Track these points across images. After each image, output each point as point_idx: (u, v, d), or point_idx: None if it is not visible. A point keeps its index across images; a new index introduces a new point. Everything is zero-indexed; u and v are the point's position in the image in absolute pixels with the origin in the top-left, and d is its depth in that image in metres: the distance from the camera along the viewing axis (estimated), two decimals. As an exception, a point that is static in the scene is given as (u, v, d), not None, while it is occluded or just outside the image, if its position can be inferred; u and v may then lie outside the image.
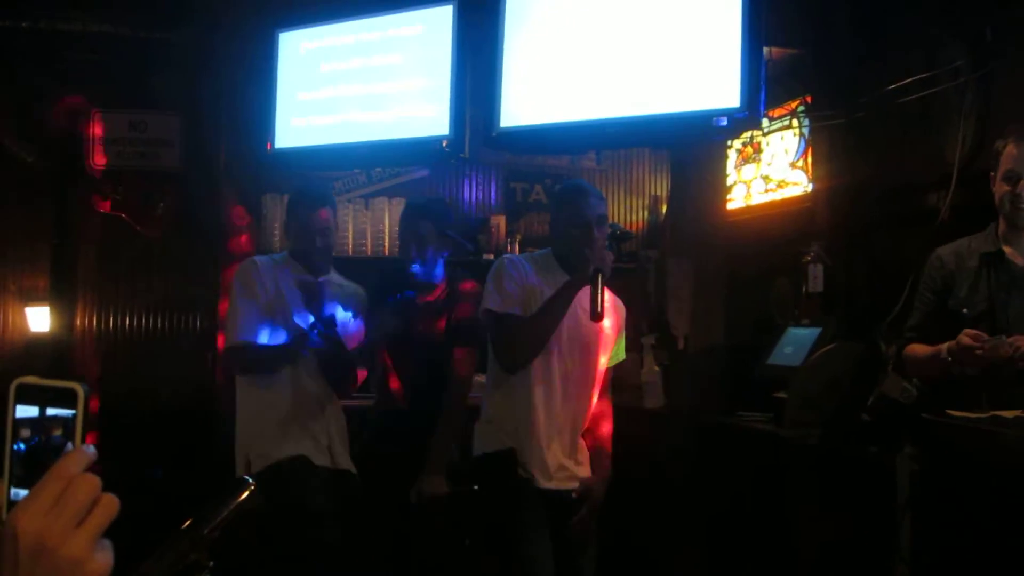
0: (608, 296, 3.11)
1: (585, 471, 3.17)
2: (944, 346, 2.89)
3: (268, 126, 4.13)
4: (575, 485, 3.11)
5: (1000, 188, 2.97)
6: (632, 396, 4.83)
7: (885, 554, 2.71)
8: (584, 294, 2.99)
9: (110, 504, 0.83)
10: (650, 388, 4.58)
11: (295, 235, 3.46)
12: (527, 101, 3.59)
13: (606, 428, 3.28)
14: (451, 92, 3.67)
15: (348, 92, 3.98)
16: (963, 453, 2.54)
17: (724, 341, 4.39)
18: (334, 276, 3.53)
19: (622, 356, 3.38)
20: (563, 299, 2.98)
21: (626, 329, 3.38)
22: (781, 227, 4.90)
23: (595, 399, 3.21)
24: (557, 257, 3.18)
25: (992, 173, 3.02)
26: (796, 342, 4.07)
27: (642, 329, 5.08)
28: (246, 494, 1.62)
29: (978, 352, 2.73)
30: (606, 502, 3.19)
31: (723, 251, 4.50)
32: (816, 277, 4.46)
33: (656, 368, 4.57)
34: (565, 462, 3.09)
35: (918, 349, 3.07)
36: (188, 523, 1.52)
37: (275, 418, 3.31)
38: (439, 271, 3.61)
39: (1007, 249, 3.01)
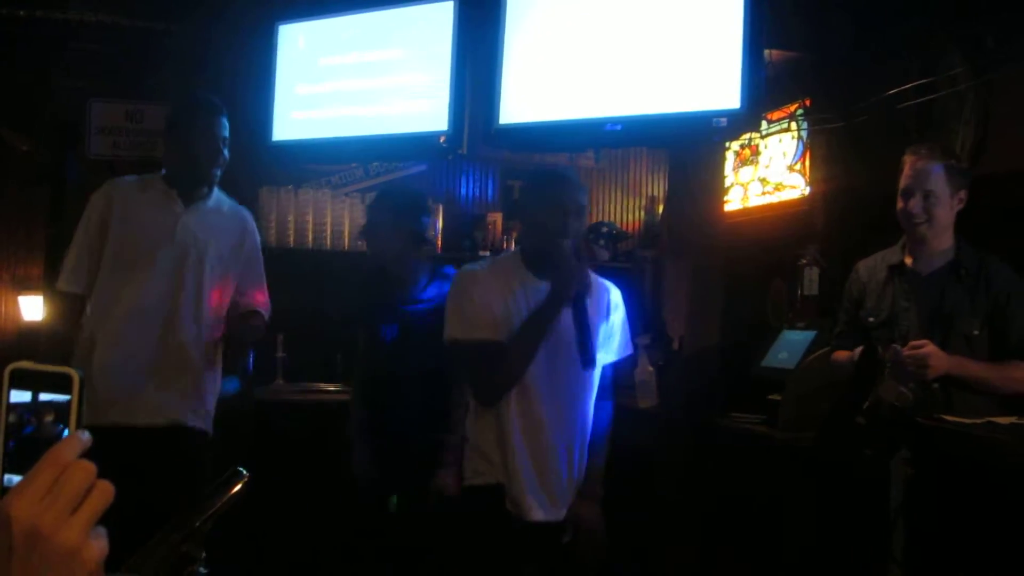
0: (594, 284, 2.85)
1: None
2: (856, 352, 3.12)
3: (267, 119, 4.12)
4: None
5: (898, 203, 3.16)
6: (626, 396, 4.83)
7: (878, 558, 2.71)
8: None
9: (105, 491, 0.82)
10: (644, 388, 4.57)
11: (178, 148, 3.21)
12: (526, 98, 3.59)
13: (597, 436, 2.91)
14: (450, 88, 3.66)
15: (347, 86, 3.97)
16: (958, 458, 2.54)
17: (719, 342, 4.37)
18: (214, 200, 3.29)
19: (628, 349, 3.04)
20: (537, 329, 2.69)
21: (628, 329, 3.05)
22: (778, 230, 4.90)
23: (591, 407, 2.88)
24: (524, 257, 2.86)
25: (899, 186, 3.17)
26: (791, 345, 4.07)
27: (637, 329, 5.08)
28: (239, 485, 1.61)
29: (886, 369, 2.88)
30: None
31: (719, 253, 4.49)
32: (812, 280, 4.47)
33: (650, 368, 4.55)
34: (568, 485, 2.80)
35: (839, 355, 3.32)
36: (180, 514, 1.52)
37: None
38: (423, 281, 3.43)
39: (908, 260, 3.20)
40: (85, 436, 0.83)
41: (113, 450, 2.88)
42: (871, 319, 3.22)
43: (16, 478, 0.82)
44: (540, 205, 2.79)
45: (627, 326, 3.02)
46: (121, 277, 3.12)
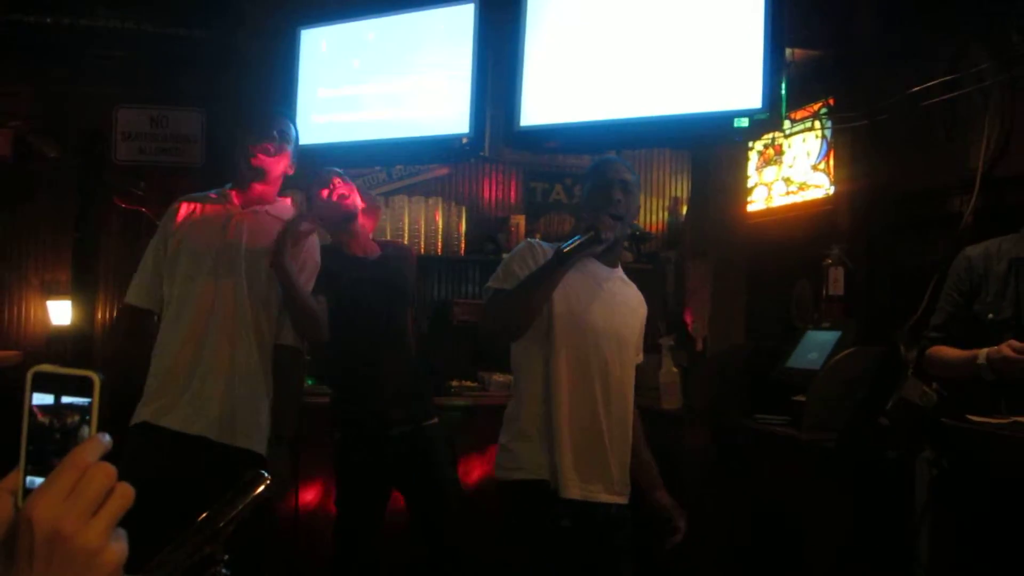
0: (632, 289, 2.97)
1: (627, 485, 2.86)
2: (983, 352, 2.84)
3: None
4: (617, 499, 2.81)
5: None
6: (650, 397, 4.82)
7: (903, 559, 2.69)
8: (620, 289, 2.88)
9: (125, 493, 0.83)
10: (668, 389, 4.56)
11: (240, 146, 3.16)
12: (548, 100, 3.59)
13: (643, 435, 3.00)
14: (471, 90, 3.67)
15: (369, 90, 3.99)
16: (982, 458, 2.52)
17: (743, 343, 4.36)
18: (277, 207, 3.24)
19: (641, 358, 3.04)
20: (552, 264, 2.67)
21: (644, 330, 3.05)
22: (802, 230, 4.87)
23: (631, 397, 2.89)
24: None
25: None
26: (816, 345, 4.05)
27: (661, 330, 5.07)
28: (260, 488, 1.62)
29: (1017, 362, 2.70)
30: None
31: (743, 253, 4.47)
32: (836, 280, 4.44)
33: (674, 369, 4.55)
34: (609, 471, 2.79)
35: (945, 351, 3.02)
36: (203, 516, 1.53)
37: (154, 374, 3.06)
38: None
39: None
40: (106, 439, 0.84)
41: (161, 452, 2.92)
42: (990, 315, 2.96)
43: (38, 480, 0.83)
44: (588, 185, 2.90)
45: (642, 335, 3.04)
46: (178, 280, 3.09)
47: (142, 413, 3.00)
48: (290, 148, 3.22)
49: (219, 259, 3.06)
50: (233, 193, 3.19)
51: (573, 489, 2.71)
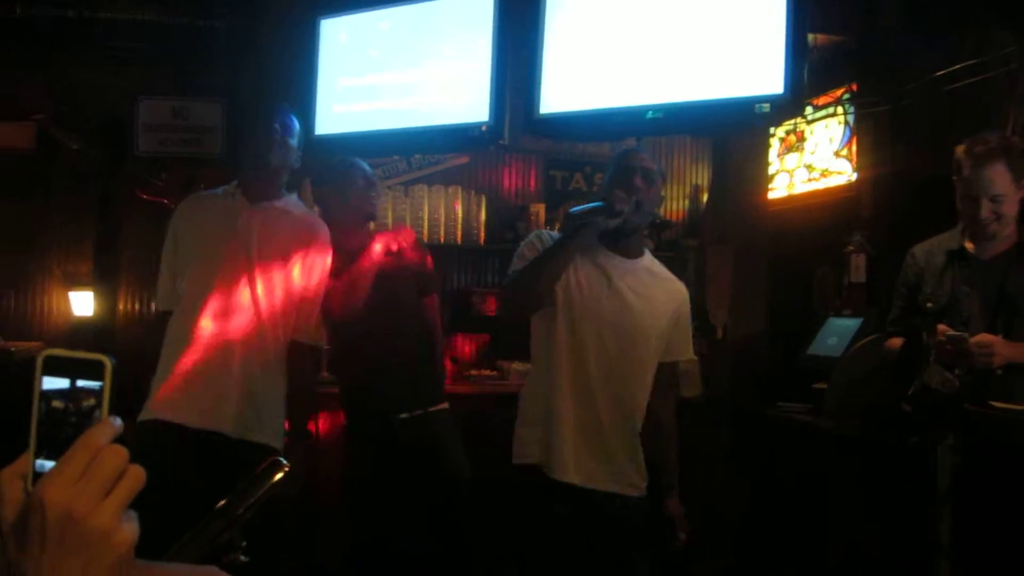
0: (667, 279, 2.95)
1: (639, 477, 2.86)
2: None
3: (309, 113, 4.14)
4: (626, 490, 2.82)
5: (959, 202, 3.08)
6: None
7: (924, 546, 2.67)
8: (642, 282, 2.85)
9: (136, 475, 0.83)
10: (688, 377, 4.55)
11: (245, 147, 3.22)
12: (567, 87, 3.57)
13: (667, 438, 3.03)
14: (491, 78, 3.65)
15: (388, 79, 3.98)
16: (1005, 445, 2.50)
17: (764, 330, 4.34)
18: (285, 202, 3.25)
19: (688, 354, 3.03)
20: (566, 237, 2.74)
21: (688, 324, 3.01)
22: (824, 216, 4.84)
23: (643, 392, 2.87)
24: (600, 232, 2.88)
25: (954, 178, 3.08)
26: (837, 332, 4.03)
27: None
28: (279, 475, 1.63)
29: (948, 347, 2.80)
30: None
31: (764, 240, 4.45)
32: (858, 267, 4.41)
33: (694, 357, 4.53)
34: (611, 461, 2.80)
35: (894, 343, 3.20)
36: (222, 503, 1.54)
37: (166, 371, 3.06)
38: None
39: (969, 245, 3.13)
40: (117, 422, 0.84)
41: (175, 449, 2.93)
42: (929, 304, 3.11)
43: (48, 464, 0.84)
44: (609, 173, 2.96)
45: (689, 331, 3.01)
46: (190, 279, 3.11)
47: (153, 410, 3.01)
48: (293, 141, 3.22)
49: (230, 257, 3.08)
50: (240, 190, 3.20)
51: (570, 472, 2.73)
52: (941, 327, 2.88)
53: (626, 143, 5.59)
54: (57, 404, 0.85)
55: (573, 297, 2.80)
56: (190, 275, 3.10)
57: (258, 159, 3.17)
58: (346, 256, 3.50)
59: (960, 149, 3.08)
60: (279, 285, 3.11)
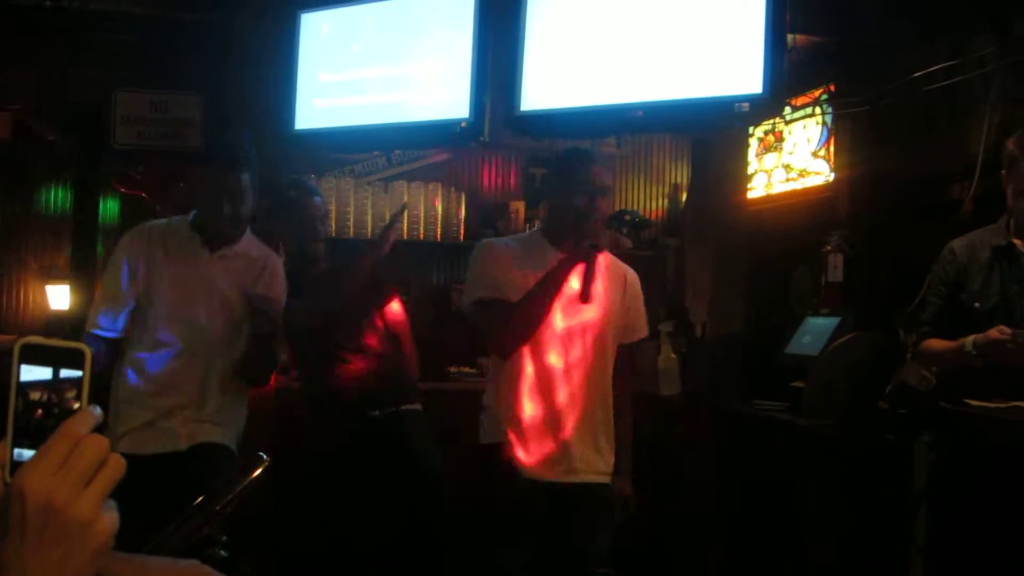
0: (613, 265, 3.02)
1: (603, 462, 2.95)
2: (969, 339, 2.88)
3: (289, 107, 4.12)
4: (589, 479, 2.91)
5: (1011, 198, 3.00)
6: (649, 384, 4.82)
7: (900, 542, 2.69)
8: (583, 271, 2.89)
9: (117, 465, 0.83)
10: (667, 375, 4.57)
11: (204, 193, 3.15)
12: (548, 85, 3.57)
13: (623, 420, 3.06)
14: (471, 75, 3.65)
15: (369, 74, 3.97)
16: (981, 442, 2.52)
17: (743, 329, 4.36)
18: (243, 245, 3.24)
19: (643, 332, 3.15)
20: (557, 277, 2.82)
21: (640, 304, 3.12)
22: (802, 216, 4.87)
23: (606, 380, 2.98)
24: (547, 234, 3.02)
25: (1003, 172, 3.03)
26: (815, 331, 4.05)
27: (660, 316, 5.07)
28: (259, 471, 1.62)
29: (1009, 346, 2.73)
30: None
31: (743, 240, 4.47)
32: (836, 267, 4.44)
33: (673, 356, 4.55)
34: (572, 451, 2.89)
35: (935, 344, 3.05)
36: (201, 498, 1.53)
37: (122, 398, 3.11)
38: None
39: (1017, 242, 3.03)
40: (97, 411, 0.84)
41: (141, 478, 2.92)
42: (977, 304, 3.01)
43: (27, 453, 0.83)
44: (568, 186, 2.94)
45: (642, 310, 3.12)
46: (147, 320, 3.11)
47: (119, 446, 2.99)
48: (253, 198, 3.19)
49: (188, 305, 3.10)
50: (198, 235, 3.17)
51: (520, 467, 2.85)
52: (1001, 327, 2.80)
53: (607, 144, 5.61)
54: (37, 394, 0.85)
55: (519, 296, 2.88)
56: (151, 319, 3.10)
57: (225, 226, 3.14)
58: (309, 267, 3.53)
59: (1012, 142, 3.01)
60: (236, 321, 3.14)
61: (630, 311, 3.07)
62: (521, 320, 2.85)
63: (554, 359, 2.88)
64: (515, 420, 2.88)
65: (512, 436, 2.87)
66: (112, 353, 3.12)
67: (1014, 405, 2.52)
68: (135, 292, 3.10)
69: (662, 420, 4.56)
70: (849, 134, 4.62)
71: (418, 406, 3.67)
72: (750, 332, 4.37)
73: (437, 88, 3.77)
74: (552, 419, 2.88)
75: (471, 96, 3.64)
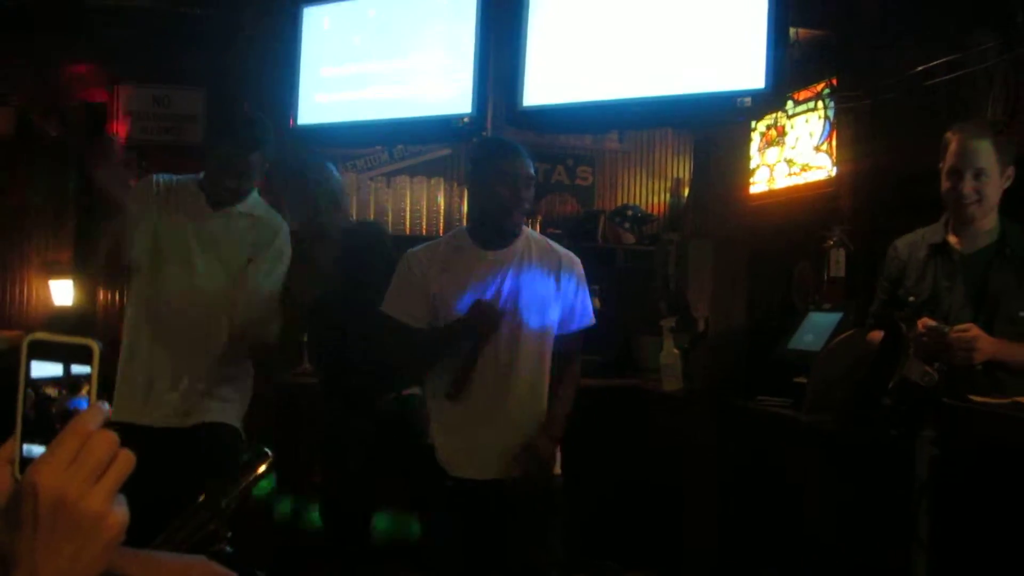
0: (546, 254, 2.94)
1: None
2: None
3: (291, 102, 4.12)
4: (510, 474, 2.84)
5: (944, 183, 3.06)
6: (651, 379, 4.82)
7: (903, 538, 2.69)
8: (511, 267, 2.86)
9: (126, 460, 0.84)
10: (669, 371, 4.57)
11: (212, 162, 3.15)
12: (550, 80, 3.57)
13: (561, 390, 2.95)
14: (474, 70, 3.65)
15: (371, 68, 3.97)
16: (984, 438, 2.53)
17: (744, 325, 4.36)
18: (248, 205, 3.21)
19: (587, 319, 3.01)
20: (441, 342, 2.84)
21: (647, 312, 3.16)
22: (804, 211, 4.87)
23: (540, 375, 2.91)
24: (472, 232, 2.94)
25: (940, 165, 3.09)
26: (817, 327, 4.05)
27: (662, 312, 5.07)
28: (264, 466, 1.63)
29: (924, 339, 2.82)
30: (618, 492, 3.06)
31: (745, 235, 4.46)
32: (838, 262, 4.44)
33: (675, 351, 4.55)
34: (501, 451, 2.83)
35: (876, 335, 3.16)
36: (207, 494, 1.53)
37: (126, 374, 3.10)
38: None
39: (951, 239, 3.12)
40: (106, 407, 0.85)
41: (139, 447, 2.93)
42: (911, 298, 3.13)
43: (37, 449, 0.84)
44: (491, 177, 2.87)
45: (585, 295, 3.01)
46: (147, 279, 3.11)
47: (120, 414, 2.97)
48: (260, 173, 3.18)
49: (190, 261, 3.09)
50: (204, 193, 3.17)
51: (463, 468, 2.86)
52: (923, 320, 2.89)
53: (609, 139, 5.62)
54: (45, 391, 0.85)
55: (451, 308, 2.85)
56: (149, 278, 3.10)
57: (225, 198, 3.15)
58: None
59: (948, 131, 3.09)
60: (235, 279, 3.13)
61: (565, 300, 2.96)
62: (411, 364, 2.95)
63: (482, 360, 2.84)
64: (444, 421, 2.90)
65: (442, 437, 2.90)
66: None
67: (1016, 401, 2.53)
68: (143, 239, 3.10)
69: (664, 416, 4.57)
70: (851, 128, 4.63)
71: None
72: (752, 327, 4.37)
73: (439, 83, 3.77)
74: (480, 419, 2.84)
75: (473, 91, 3.64)
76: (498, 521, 2.85)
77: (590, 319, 3.02)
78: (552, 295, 2.91)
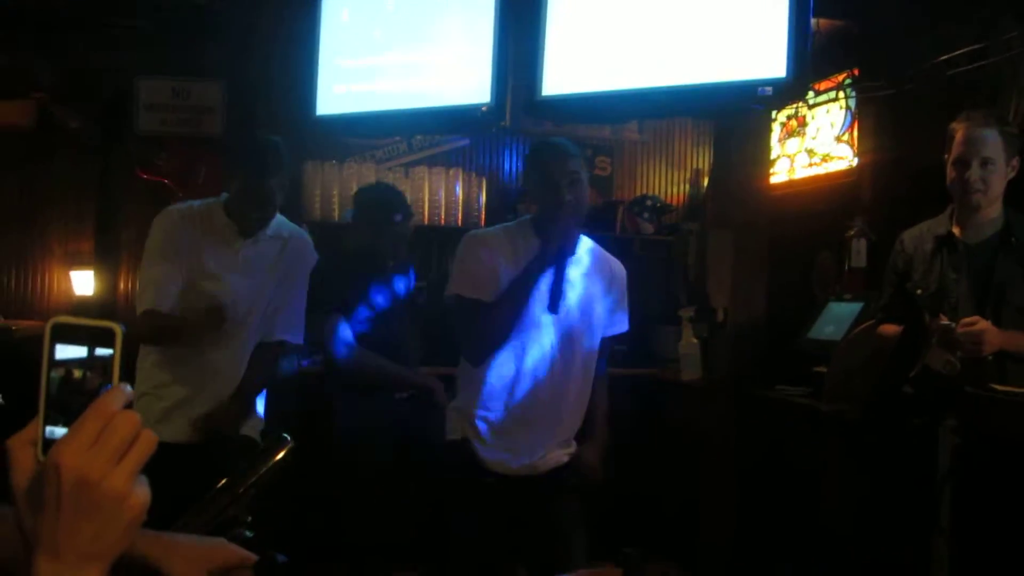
0: (600, 259, 2.98)
1: (566, 456, 2.95)
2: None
3: (310, 93, 4.12)
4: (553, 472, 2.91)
5: (950, 173, 3.09)
6: (670, 369, 4.82)
7: (924, 526, 2.68)
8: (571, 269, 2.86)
9: (148, 441, 0.84)
10: (688, 360, 4.56)
11: (235, 192, 3.19)
12: (570, 69, 3.56)
13: (598, 404, 3.02)
14: (492, 59, 3.63)
15: (390, 59, 3.97)
16: (1006, 427, 2.51)
17: (764, 315, 4.35)
18: (274, 227, 3.27)
19: (623, 326, 3.07)
20: (524, 284, 2.77)
21: (665, 302, 3.17)
22: (825, 201, 4.84)
23: (586, 376, 2.95)
24: (534, 224, 2.95)
25: (945, 156, 3.10)
26: (837, 317, 4.04)
27: (681, 301, 5.06)
28: (283, 452, 1.63)
29: (935, 336, 2.85)
30: (645, 476, 3.08)
31: (765, 225, 4.45)
32: (859, 252, 4.42)
33: (694, 340, 4.54)
34: (542, 449, 2.89)
35: (887, 329, 3.20)
36: (227, 479, 1.54)
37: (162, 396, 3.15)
38: None
39: (956, 230, 3.14)
40: (128, 389, 0.85)
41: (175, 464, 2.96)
42: (919, 291, 3.15)
43: (59, 431, 0.84)
44: (537, 177, 2.93)
45: (625, 303, 3.07)
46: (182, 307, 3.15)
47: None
48: (282, 194, 3.23)
49: (225, 291, 3.14)
50: (233, 221, 3.20)
51: (492, 464, 2.85)
52: (942, 316, 2.90)
53: (629, 129, 5.60)
54: (68, 373, 0.86)
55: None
56: (183, 310, 3.13)
57: (255, 221, 3.19)
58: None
59: (954, 122, 3.13)
60: (268, 301, 3.23)
61: (615, 305, 3.02)
62: (489, 327, 2.81)
63: (532, 357, 2.84)
64: (486, 417, 2.87)
65: (482, 433, 2.87)
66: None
67: (1038, 390, 2.52)
68: (181, 274, 3.13)
69: (683, 405, 4.56)
70: (873, 119, 4.59)
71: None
72: (771, 317, 4.36)
73: (458, 73, 3.76)
74: (525, 417, 2.86)
75: (492, 80, 3.63)
76: (533, 516, 2.88)
77: (625, 327, 3.08)
78: (603, 300, 2.96)
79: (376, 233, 3.70)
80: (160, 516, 1.45)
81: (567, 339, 2.87)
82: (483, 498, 2.85)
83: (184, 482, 2.77)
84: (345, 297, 3.60)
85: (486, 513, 2.86)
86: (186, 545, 1.28)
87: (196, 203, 3.30)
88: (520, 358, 2.83)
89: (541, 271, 2.77)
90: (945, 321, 2.87)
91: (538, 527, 2.89)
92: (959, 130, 3.06)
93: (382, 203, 3.82)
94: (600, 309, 2.96)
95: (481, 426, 2.87)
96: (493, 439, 2.86)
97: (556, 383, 2.87)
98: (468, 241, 2.95)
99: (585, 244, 3.00)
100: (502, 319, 2.79)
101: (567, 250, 2.78)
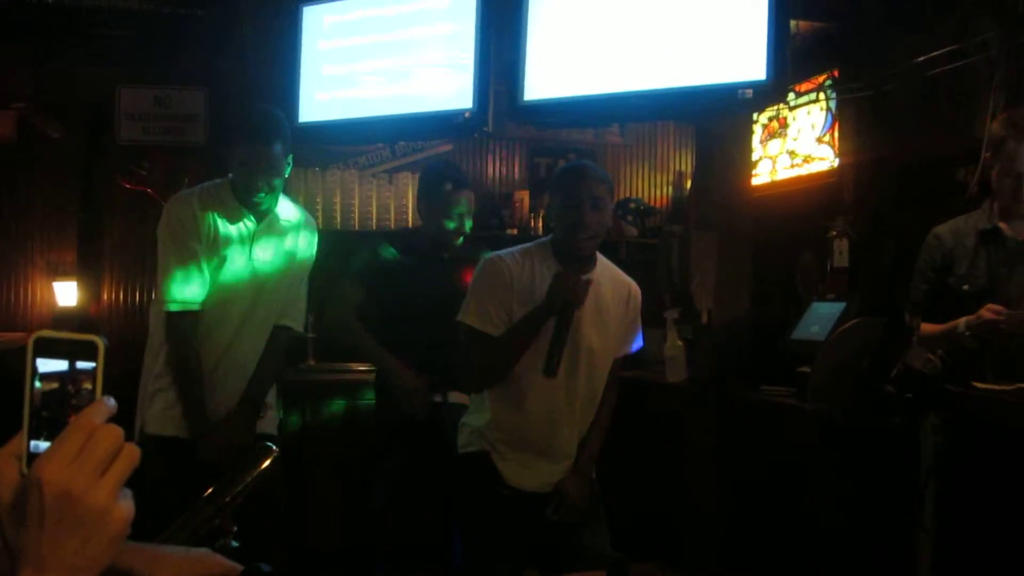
0: (617, 282, 2.98)
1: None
2: (962, 321, 2.98)
3: (292, 101, 4.12)
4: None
5: (993, 174, 3.07)
6: (655, 371, 4.82)
7: (907, 525, 2.70)
8: (592, 294, 2.82)
9: (131, 454, 0.84)
10: (673, 362, 4.56)
11: (237, 164, 3.09)
12: (551, 74, 3.57)
13: (597, 427, 3.03)
14: (474, 65, 3.65)
15: (372, 66, 3.97)
16: (987, 424, 2.53)
17: (748, 316, 4.36)
18: (280, 210, 3.24)
19: (637, 347, 3.11)
20: (527, 330, 2.76)
21: (650, 305, 3.13)
22: (806, 202, 4.87)
23: (596, 397, 2.99)
24: (554, 246, 2.92)
25: (986, 155, 3.09)
26: (821, 317, 4.05)
27: (665, 303, 5.06)
28: (268, 461, 1.63)
29: (1003, 327, 2.81)
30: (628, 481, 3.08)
31: (748, 226, 4.46)
32: (841, 252, 4.44)
33: (679, 342, 4.55)
34: (557, 468, 2.91)
35: (927, 327, 3.11)
36: (211, 490, 1.54)
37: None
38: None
39: (1003, 225, 3.10)
40: (111, 402, 0.85)
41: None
42: (965, 287, 3.09)
43: (43, 445, 0.84)
44: (558, 200, 2.87)
45: (639, 324, 3.08)
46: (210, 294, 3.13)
47: (168, 427, 3.05)
48: (286, 169, 3.17)
49: (242, 282, 3.14)
50: (243, 206, 3.15)
51: (507, 478, 2.87)
52: (992, 306, 2.88)
53: (611, 133, 5.61)
54: (52, 387, 0.86)
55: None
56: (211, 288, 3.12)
57: (260, 190, 3.11)
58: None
59: (997, 124, 3.08)
60: (277, 286, 3.22)
61: (629, 328, 3.04)
62: (489, 365, 2.84)
63: (540, 392, 2.85)
64: (499, 438, 2.89)
65: (499, 449, 2.89)
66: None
67: (1018, 387, 2.53)
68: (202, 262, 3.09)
69: (668, 407, 4.57)
70: (853, 119, 4.63)
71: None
72: (756, 318, 4.37)
73: (440, 79, 3.77)
74: (546, 437, 2.88)
75: (474, 86, 3.64)
76: (545, 527, 2.89)
77: (640, 344, 3.10)
78: (619, 322, 2.97)
79: (428, 202, 3.71)
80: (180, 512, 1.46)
81: (585, 363, 2.88)
82: (501, 510, 2.86)
83: (203, 477, 2.79)
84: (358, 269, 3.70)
85: (503, 524, 2.85)
86: (172, 556, 1.28)
87: (205, 185, 3.24)
88: (525, 396, 2.85)
89: (543, 321, 2.75)
90: (1009, 311, 2.84)
91: (553, 535, 2.90)
92: (1007, 138, 3.01)
93: (433, 171, 3.86)
94: (616, 331, 2.97)
95: (497, 444, 2.89)
96: (514, 454, 2.89)
97: (571, 403, 2.90)
98: (486, 267, 2.90)
99: (602, 267, 2.98)
100: (501, 359, 2.81)
101: (571, 303, 2.73)
